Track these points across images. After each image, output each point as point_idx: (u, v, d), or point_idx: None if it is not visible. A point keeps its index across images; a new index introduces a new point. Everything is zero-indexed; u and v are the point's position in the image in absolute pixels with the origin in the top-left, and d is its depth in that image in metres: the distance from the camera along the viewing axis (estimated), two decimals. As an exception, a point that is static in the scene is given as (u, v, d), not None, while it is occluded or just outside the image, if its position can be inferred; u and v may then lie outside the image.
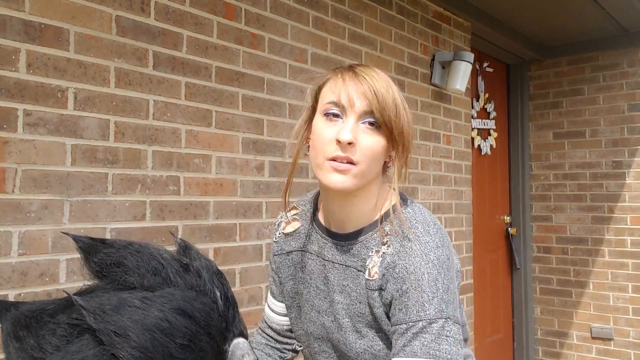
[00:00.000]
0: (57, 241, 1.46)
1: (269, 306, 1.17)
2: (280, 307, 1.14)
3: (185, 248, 0.90)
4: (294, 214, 1.08)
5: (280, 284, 1.09)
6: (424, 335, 0.82)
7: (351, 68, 0.92)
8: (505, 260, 4.12)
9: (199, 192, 1.82)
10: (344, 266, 0.94)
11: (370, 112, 0.88)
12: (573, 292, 3.99)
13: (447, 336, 0.83)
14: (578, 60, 4.06)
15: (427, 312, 0.83)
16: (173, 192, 1.74)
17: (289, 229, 1.07)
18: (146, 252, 0.84)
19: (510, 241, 4.09)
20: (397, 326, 0.86)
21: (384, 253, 0.90)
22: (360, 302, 0.92)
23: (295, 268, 1.04)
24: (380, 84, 0.88)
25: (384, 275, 0.88)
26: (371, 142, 0.88)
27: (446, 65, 3.01)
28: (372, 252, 0.92)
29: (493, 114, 3.98)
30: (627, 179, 3.83)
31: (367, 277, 0.90)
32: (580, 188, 4.01)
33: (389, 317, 0.89)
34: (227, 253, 1.90)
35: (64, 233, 1.12)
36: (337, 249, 0.96)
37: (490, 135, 3.94)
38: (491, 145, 3.94)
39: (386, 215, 0.93)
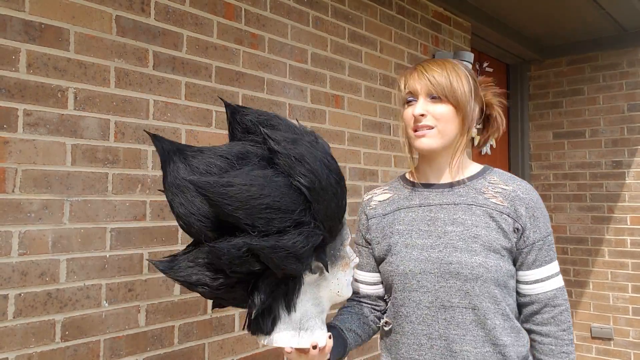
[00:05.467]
0: (57, 241, 1.46)
1: (358, 281, 1.36)
2: (371, 277, 1.35)
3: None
4: (384, 189, 1.37)
5: (374, 246, 1.32)
6: (547, 246, 1.22)
7: (415, 67, 1.26)
8: (505, 260, 4.11)
9: (199, 192, 1.81)
10: (452, 205, 1.23)
11: (430, 92, 1.21)
12: (573, 292, 3.99)
13: (552, 243, 1.25)
14: (578, 60, 4.06)
15: (548, 227, 1.24)
16: (173, 192, 1.74)
17: (383, 197, 1.35)
18: (285, 121, 1.06)
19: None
20: (533, 244, 1.20)
21: (503, 189, 1.22)
22: (476, 226, 1.19)
23: (389, 226, 1.29)
24: (435, 71, 1.22)
25: (512, 205, 1.20)
26: (438, 109, 1.21)
27: (446, 65, 3.01)
28: (486, 190, 1.23)
29: (493, 114, 3.98)
30: (626, 178, 3.83)
31: (496, 202, 1.21)
32: (580, 188, 4.01)
33: (505, 237, 1.20)
34: (227, 253, 1.89)
35: (146, 132, 1.16)
36: (443, 194, 1.25)
37: (490, 135, 3.94)
38: (491, 145, 3.93)
39: (485, 169, 1.28)
